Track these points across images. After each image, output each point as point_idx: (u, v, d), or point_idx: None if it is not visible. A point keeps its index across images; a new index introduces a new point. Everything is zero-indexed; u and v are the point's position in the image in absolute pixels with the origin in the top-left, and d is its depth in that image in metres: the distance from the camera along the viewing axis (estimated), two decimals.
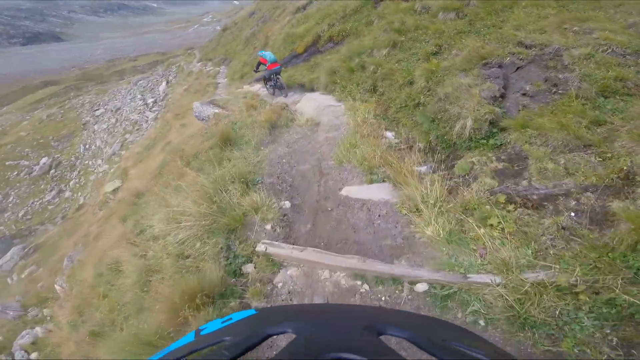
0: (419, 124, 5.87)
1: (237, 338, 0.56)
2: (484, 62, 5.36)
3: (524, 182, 3.36)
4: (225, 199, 4.37)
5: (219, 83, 21.88)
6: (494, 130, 4.39)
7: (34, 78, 54.55)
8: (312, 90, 10.12)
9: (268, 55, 9.66)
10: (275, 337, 0.66)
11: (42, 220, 23.31)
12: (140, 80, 39.15)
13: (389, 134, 6.47)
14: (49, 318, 9.32)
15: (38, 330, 8.69)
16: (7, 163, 29.35)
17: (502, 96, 4.80)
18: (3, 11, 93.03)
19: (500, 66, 5.23)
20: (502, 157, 3.94)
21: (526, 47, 5.35)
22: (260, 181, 5.14)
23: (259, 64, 9.90)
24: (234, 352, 0.52)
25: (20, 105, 44.14)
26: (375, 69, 7.88)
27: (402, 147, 5.82)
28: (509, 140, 4.11)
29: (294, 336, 0.55)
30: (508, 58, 5.24)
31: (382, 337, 0.56)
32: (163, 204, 5.67)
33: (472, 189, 3.65)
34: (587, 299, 2.61)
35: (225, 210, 4.25)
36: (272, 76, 9.89)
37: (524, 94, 4.57)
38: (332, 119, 7.63)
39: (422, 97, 6.22)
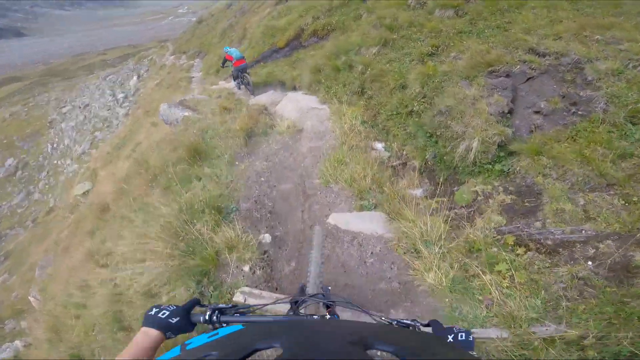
0: (413, 136, 5.54)
1: (224, 353, 0.57)
2: (489, 69, 5.01)
3: (537, 224, 3.05)
4: (194, 235, 3.94)
5: (193, 77, 21.17)
6: (501, 154, 4.06)
7: None
8: (294, 89, 9.68)
9: (234, 52, 9.71)
10: (262, 351, 0.62)
11: (12, 225, 22.75)
12: (110, 74, 37.85)
13: (379, 146, 6.12)
14: (27, 331, 9.29)
15: (18, 343, 8.69)
16: None
17: (511, 112, 4.49)
18: None
19: (508, 75, 4.89)
20: (511, 189, 3.63)
21: (538, 54, 4.99)
22: (235, 209, 4.70)
23: (225, 60, 10.11)
24: None
25: None
26: (364, 69, 7.49)
27: (395, 163, 5.48)
28: (518, 168, 3.78)
29: (281, 351, 0.56)
30: (518, 66, 4.89)
31: (369, 352, 0.57)
32: (128, 229, 5.32)
33: (476, 226, 3.33)
34: (595, 354, 2.43)
35: (195, 248, 3.83)
36: (239, 74, 9.92)
37: (537, 112, 4.21)
38: (316, 124, 7.23)
39: (415, 105, 5.88)
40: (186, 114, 8.55)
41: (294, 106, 8.11)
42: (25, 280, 13.01)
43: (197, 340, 0.68)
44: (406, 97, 6.19)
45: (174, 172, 6.42)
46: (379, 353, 0.70)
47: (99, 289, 5.04)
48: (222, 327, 0.96)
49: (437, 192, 4.44)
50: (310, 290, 1.88)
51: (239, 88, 10.56)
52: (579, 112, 3.94)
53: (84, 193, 17.52)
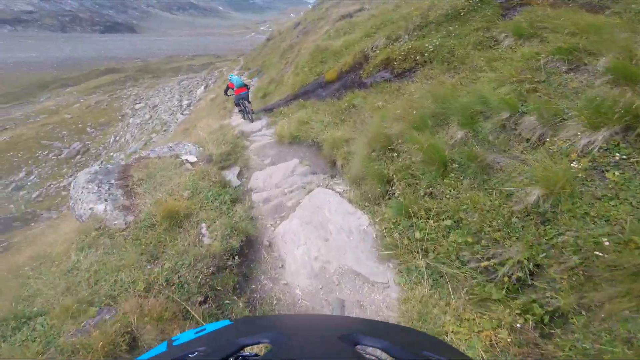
0: None
1: (211, 349, 0.50)
2: None
3: None
4: None
5: None
6: None
7: (102, 64, 53.76)
8: (333, 169, 4.35)
9: (235, 79, 8.32)
10: (250, 347, 0.53)
11: (50, 206, 19.83)
12: (184, 80, 35.63)
13: None
14: None
15: None
16: (42, 142, 26.72)
17: None
18: None
19: None
20: None
21: None
22: None
23: (227, 88, 8.66)
24: None
25: (82, 88, 42.68)
26: (549, 195, 1.92)
27: None
28: None
29: (269, 346, 0.50)
30: None
31: (358, 347, 0.51)
32: None
33: None
34: None
35: None
36: (240, 101, 8.28)
37: None
38: None
39: None
40: (100, 207, 3.49)
41: (313, 251, 2.73)
42: None
43: (184, 336, 0.57)
44: None
45: None
46: (369, 349, 0.54)
47: None
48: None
49: None
50: None
51: (244, 118, 8.54)
52: None
53: None
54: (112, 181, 3.93)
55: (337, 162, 4.31)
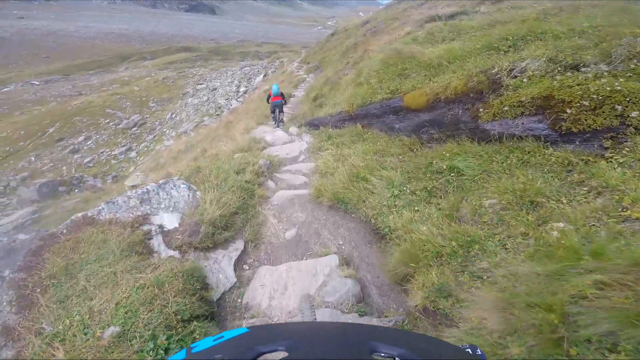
0: None
1: (229, 356, 0.51)
2: None
3: None
4: None
5: (294, 95, 15.00)
6: None
7: (179, 42, 55.64)
8: (400, 297, 2.26)
9: (273, 87, 8.85)
10: (267, 355, 0.53)
11: (97, 174, 19.70)
12: (246, 66, 34.99)
13: None
14: None
15: None
16: (107, 110, 27.60)
17: None
18: None
19: None
20: None
21: None
22: None
23: (269, 96, 8.95)
24: None
25: (157, 63, 44.31)
26: None
27: None
28: None
29: (286, 354, 0.50)
30: None
31: (374, 355, 0.51)
32: None
33: None
34: None
35: None
36: (274, 109, 8.63)
37: None
38: None
39: None
40: None
41: None
42: None
43: (202, 343, 0.57)
44: None
45: None
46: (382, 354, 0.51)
47: None
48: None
49: None
50: None
51: (277, 126, 8.50)
52: None
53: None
54: (6, 272, 2.13)
55: (411, 294, 2.08)
